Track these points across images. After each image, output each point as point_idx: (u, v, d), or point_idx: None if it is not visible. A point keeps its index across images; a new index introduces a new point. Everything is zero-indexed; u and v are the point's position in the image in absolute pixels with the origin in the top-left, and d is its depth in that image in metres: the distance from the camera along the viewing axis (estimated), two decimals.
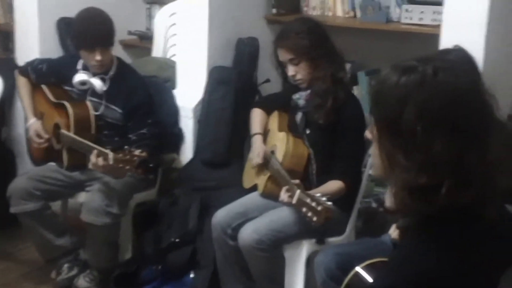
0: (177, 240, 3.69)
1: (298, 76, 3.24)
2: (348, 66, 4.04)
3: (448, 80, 1.47)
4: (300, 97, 3.30)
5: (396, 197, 1.50)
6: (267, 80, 4.03)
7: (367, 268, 1.78)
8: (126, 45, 5.03)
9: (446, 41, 3.18)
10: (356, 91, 4.00)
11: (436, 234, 1.48)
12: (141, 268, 3.71)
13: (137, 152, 3.32)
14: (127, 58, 4.81)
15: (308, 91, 3.27)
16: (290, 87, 3.35)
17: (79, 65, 3.78)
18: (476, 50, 2.98)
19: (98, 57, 3.63)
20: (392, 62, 3.49)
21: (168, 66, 4.36)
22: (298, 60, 3.21)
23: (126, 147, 3.36)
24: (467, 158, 1.45)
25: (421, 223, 1.51)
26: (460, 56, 2.67)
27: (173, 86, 4.22)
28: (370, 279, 1.70)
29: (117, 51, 4.58)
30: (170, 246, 3.69)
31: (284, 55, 3.24)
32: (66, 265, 3.85)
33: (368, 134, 1.61)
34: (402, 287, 1.45)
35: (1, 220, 4.26)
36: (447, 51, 2.74)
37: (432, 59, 1.52)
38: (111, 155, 3.28)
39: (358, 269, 1.80)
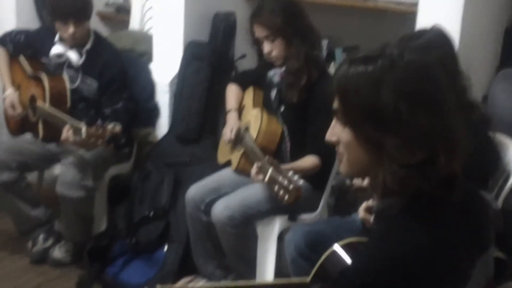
0: (150, 214, 3.72)
1: (273, 54, 3.24)
2: (325, 42, 4.06)
3: (414, 58, 1.52)
4: (274, 74, 3.31)
5: (396, 177, 1.50)
6: (243, 56, 4.04)
7: (344, 248, 1.79)
8: (103, 17, 5.01)
9: (422, 20, 3.21)
10: (332, 67, 4.01)
11: (415, 216, 1.50)
12: (114, 242, 3.73)
13: (109, 127, 3.32)
14: (103, 30, 4.80)
15: (283, 69, 3.28)
16: (265, 63, 3.36)
17: (56, 37, 3.77)
18: (453, 31, 3.01)
19: (71, 30, 3.62)
20: (369, 39, 3.53)
21: (145, 39, 4.35)
22: (273, 37, 3.21)
23: (98, 121, 3.36)
24: (451, 125, 1.50)
25: (402, 203, 1.53)
26: (436, 36, 2.70)
27: (149, 60, 4.21)
28: (348, 259, 1.71)
29: (94, 22, 4.54)
30: (142, 221, 3.72)
31: (259, 32, 3.24)
32: (41, 236, 3.87)
33: (330, 137, 1.61)
34: (383, 268, 1.46)
35: None
36: (424, 31, 2.77)
37: (392, 45, 1.55)
38: (84, 129, 3.28)
39: (335, 247, 1.80)
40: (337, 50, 4.07)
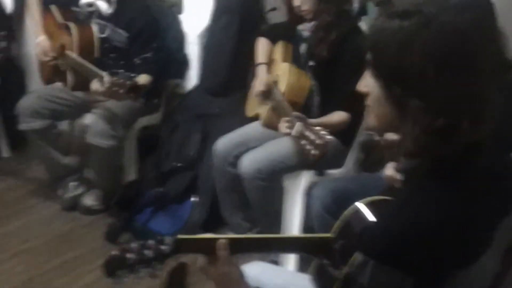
0: (178, 165, 3.76)
1: (304, 7, 3.21)
2: None
3: (451, 19, 1.47)
4: (304, 28, 3.30)
5: (413, 141, 1.49)
6: (274, 9, 4.01)
7: (368, 205, 1.79)
8: None
9: None
10: (364, 22, 3.97)
11: (442, 179, 1.49)
12: (143, 191, 3.79)
13: (131, 76, 3.36)
14: None
15: (313, 23, 3.25)
16: (295, 18, 3.33)
17: None
18: None
19: None
20: None
21: None
22: None
23: (121, 70, 3.39)
24: (480, 92, 1.47)
25: (428, 166, 1.52)
26: None
27: (179, 11, 4.20)
28: (371, 217, 1.72)
29: None
30: (171, 171, 3.77)
31: None
32: (72, 184, 3.95)
33: (362, 87, 1.60)
34: (402, 229, 1.46)
35: (11, 138, 4.36)
36: None
37: (431, 2, 1.52)
38: (106, 78, 3.31)
39: (358, 205, 1.80)
40: (369, 4, 4.02)
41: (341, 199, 2.78)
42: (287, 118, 2.97)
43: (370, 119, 1.61)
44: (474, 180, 1.51)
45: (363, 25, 3.90)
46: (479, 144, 1.51)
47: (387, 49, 1.49)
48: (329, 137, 2.80)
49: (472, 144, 1.50)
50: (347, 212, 1.81)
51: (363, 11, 4.01)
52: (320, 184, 3.02)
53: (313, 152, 2.78)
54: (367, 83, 1.57)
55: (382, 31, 1.50)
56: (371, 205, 1.77)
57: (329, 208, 2.81)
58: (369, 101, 1.58)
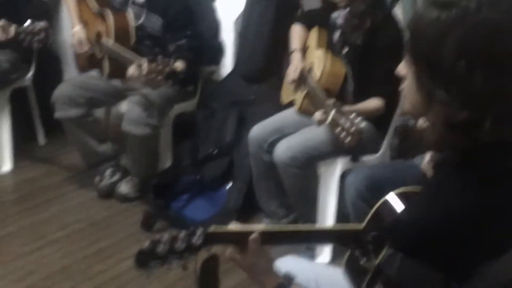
0: (214, 152, 3.77)
1: None
2: None
3: (491, 16, 1.44)
4: (338, 16, 3.28)
5: (435, 132, 1.49)
6: None
7: (399, 196, 1.78)
8: None
9: None
10: (399, 7, 3.92)
11: (472, 171, 1.48)
12: (179, 178, 3.80)
13: (170, 62, 3.35)
14: None
15: (347, 10, 3.23)
16: (330, 4, 3.32)
17: None
18: None
19: None
20: None
21: None
22: None
23: (159, 56, 3.39)
24: (509, 93, 1.45)
25: (457, 158, 1.51)
26: None
27: None
28: (401, 208, 1.72)
29: None
30: (207, 158, 3.78)
31: None
32: (108, 171, 3.96)
33: (401, 69, 1.60)
34: (432, 221, 1.45)
35: (46, 125, 4.40)
36: None
37: None
38: (145, 64, 3.32)
39: (389, 196, 1.80)
40: None
41: (375, 187, 2.78)
42: (321, 106, 2.97)
43: (404, 102, 1.60)
44: (502, 175, 1.49)
45: (398, 10, 3.87)
46: (507, 142, 1.49)
47: (423, 37, 1.47)
48: (363, 124, 2.80)
49: (501, 142, 1.47)
50: (378, 203, 1.79)
51: None
52: (354, 171, 3.01)
53: (348, 139, 2.79)
54: (405, 66, 1.56)
55: (421, 18, 1.48)
56: (401, 196, 1.76)
57: (363, 196, 2.80)
58: (403, 85, 1.57)
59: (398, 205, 1.72)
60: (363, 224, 1.78)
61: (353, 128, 2.77)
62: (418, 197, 1.63)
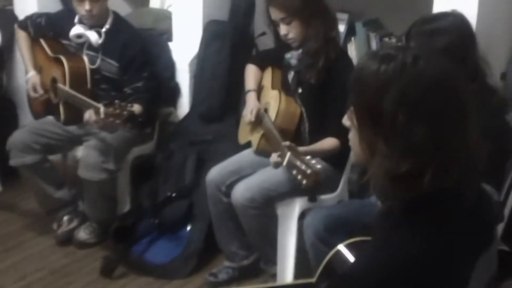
0: (173, 194, 3.75)
1: (290, 35, 3.21)
2: (345, 16, 4.03)
3: (427, 67, 1.48)
4: (292, 57, 3.29)
5: (378, 183, 1.50)
6: (263, 33, 4.01)
7: (349, 247, 1.79)
8: None
9: None
10: (353, 43, 3.98)
11: (418, 219, 1.49)
12: (139, 221, 3.77)
13: (127, 105, 3.34)
14: (124, 7, 4.81)
15: (300, 50, 3.25)
16: (283, 45, 3.33)
17: (76, 18, 3.78)
18: (471, 7, 3.01)
19: (87, 7, 3.64)
20: (390, 11, 3.49)
21: (165, 17, 4.34)
22: (289, 19, 3.18)
23: (116, 101, 3.37)
24: (448, 143, 1.46)
25: (402, 207, 1.52)
26: (453, 21, 2.69)
27: (170, 39, 4.20)
28: (351, 259, 1.72)
29: None
30: (166, 200, 3.75)
31: (276, 14, 3.21)
32: (66, 217, 3.92)
33: (346, 121, 1.61)
34: (381, 270, 1.46)
35: (3, 171, 4.34)
36: (441, 15, 2.75)
37: (410, 47, 1.52)
38: (102, 109, 3.30)
39: (340, 247, 1.81)
40: (357, 24, 4.02)
41: (333, 228, 2.80)
42: (278, 153, 2.97)
43: (352, 153, 1.62)
44: (449, 218, 1.51)
45: (352, 45, 3.92)
46: (453, 189, 1.50)
47: (364, 89, 1.50)
48: (319, 166, 2.81)
49: (442, 189, 1.49)
50: (329, 254, 1.80)
51: (351, 32, 4.02)
52: (311, 212, 3.01)
53: (304, 182, 2.79)
54: (350, 118, 1.57)
55: (362, 70, 1.51)
56: (351, 247, 1.77)
57: (321, 237, 2.81)
58: (349, 136, 1.59)
59: (348, 256, 1.73)
60: (315, 277, 1.78)
61: (309, 171, 2.77)
62: (367, 247, 1.64)
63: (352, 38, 4.00)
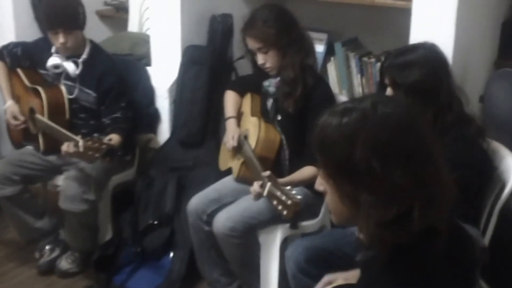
0: (155, 222, 3.74)
1: (267, 65, 3.23)
2: (324, 36, 4.05)
3: (387, 111, 1.50)
4: (270, 84, 3.30)
5: (370, 233, 1.50)
6: (242, 57, 4.00)
7: None
8: (102, 16, 5.00)
9: (416, 16, 3.17)
10: (332, 63, 3.99)
11: (400, 267, 1.50)
12: (120, 250, 3.76)
13: (105, 140, 3.33)
14: (103, 30, 4.81)
15: (278, 78, 3.26)
16: (261, 73, 3.34)
17: (53, 48, 3.75)
18: (447, 26, 3.04)
19: (61, 40, 3.61)
20: (369, 31, 3.50)
21: (144, 41, 4.33)
22: (266, 49, 3.19)
23: (95, 134, 3.35)
24: (426, 177, 1.48)
25: (385, 256, 1.53)
26: (427, 53, 2.71)
27: (148, 63, 4.19)
28: None
29: (93, 21, 4.57)
30: (147, 228, 3.74)
31: (252, 44, 3.23)
32: (47, 247, 3.90)
33: (318, 186, 1.61)
34: None
35: None
36: (415, 46, 2.78)
37: (368, 96, 1.54)
38: (81, 142, 3.28)
39: None
40: (336, 44, 4.03)
41: (315, 258, 2.80)
42: (259, 182, 2.98)
43: (332, 215, 1.62)
44: (431, 266, 1.52)
45: (332, 65, 3.94)
46: (434, 228, 1.51)
47: (332, 147, 1.50)
48: (299, 197, 2.82)
49: (427, 229, 1.50)
50: None
51: (331, 52, 4.03)
52: (292, 244, 3.00)
53: (285, 212, 2.80)
54: (322, 182, 1.57)
55: (325, 129, 1.51)
56: None
57: (302, 269, 2.81)
58: (326, 199, 1.59)
59: None
60: None
61: (289, 201, 2.78)
62: None
63: (332, 58, 4.01)
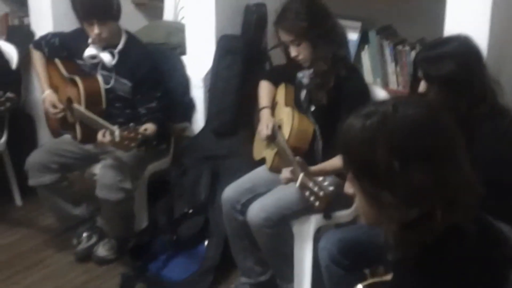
0: (190, 211, 3.78)
1: (300, 57, 3.24)
2: (358, 25, 4.03)
3: (408, 113, 1.52)
4: (303, 76, 3.31)
5: (395, 235, 1.53)
6: (276, 46, 3.99)
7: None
8: (138, 4, 5.04)
9: (451, 3, 3.14)
10: (366, 51, 3.97)
11: (429, 264, 1.52)
12: (156, 238, 3.81)
13: (141, 129, 3.39)
14: (139, 17, 4.85)
15: (311, 70, 3.27)
16: (294, 65, 3.35)
17: (90, 39, 3.79)
18: (482, 24, 3.00)
19: (96, 30, 3.65)
20: (403, 18, 3.44)
21: (178, 30, 4.34)
22: (298, 41, 3.20)
23: (131, 124, 3.41)
24: (448, 177, 1.49)
25: (414, 255, 1.54)
26: (460, 46, 2.70)
27: (183, 52, 4.22)
28: None
29: (129, 9, 4.60)
30: (182, 217, 3.79)
31: (285, 36, 3.23)
32: (85, 234, 3.97)
33: (347, 189, 1.63)
34: None
35: (22, 186, 4.39)
36: (449, 39, 2.77)
37: (391, 99, 1.56)
38: (117, 132, 3.34)
39: (359, 287, 1.84)
40: (370, 32, 4.01)
41: (348, 250, 2.82)
42: (290, 169, 2.99)
43: (361, 216, 1.64)
44: (460, 264, 1.52)
45: (366, 54, 3.92)
46: (460, 225, 1.52)
47: (354, 149, 1.54)
48: (331, 187, 2.82)
49: (453, 228, 1.51)
50: None
51: (365, 40, 4.02)
52: (326, 235, 3.02)
53: (317, 203, 2.81)
54: (350, 185, 1.59)
55: (348, 132, 1.55)
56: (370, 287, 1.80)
57: (336, 259, 2.83)
58: (355, 203, 1.61)
59: None
60: None
61: (322, 193, 2.80)
62: None
63: (366, 46, 4.00)
